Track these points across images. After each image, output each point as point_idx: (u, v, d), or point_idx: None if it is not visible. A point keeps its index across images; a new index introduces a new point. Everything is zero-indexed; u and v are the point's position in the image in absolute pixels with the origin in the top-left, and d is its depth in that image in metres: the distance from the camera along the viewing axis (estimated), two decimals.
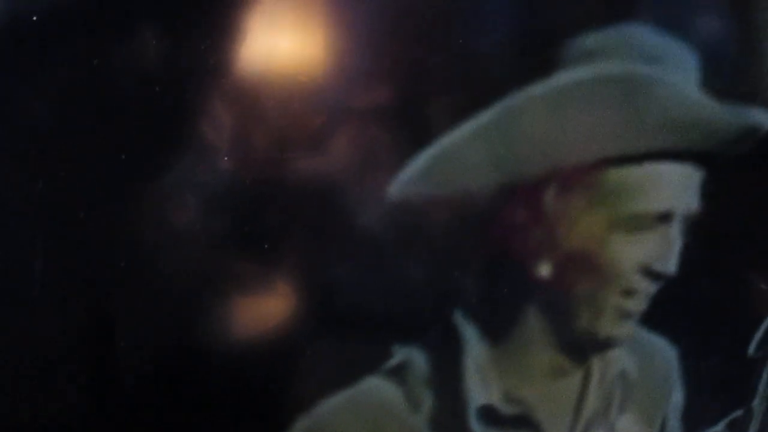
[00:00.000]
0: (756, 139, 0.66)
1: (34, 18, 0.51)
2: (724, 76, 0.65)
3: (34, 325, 0.54)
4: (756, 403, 0.74)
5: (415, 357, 0.60)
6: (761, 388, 0.74)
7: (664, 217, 0.65)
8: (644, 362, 0.69)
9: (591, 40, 0.60)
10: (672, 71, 0.62)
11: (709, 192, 0.65)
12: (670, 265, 0.66)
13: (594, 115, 0.61)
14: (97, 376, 0.55)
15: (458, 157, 0.57)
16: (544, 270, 0.62)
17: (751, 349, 0.72)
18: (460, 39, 0.56)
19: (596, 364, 0.67)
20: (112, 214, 0.53)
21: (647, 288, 0.66)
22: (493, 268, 0.61)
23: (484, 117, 0.58)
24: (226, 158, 0.54)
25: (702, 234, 0.66)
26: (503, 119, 0.58)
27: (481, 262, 0.60)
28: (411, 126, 0.56)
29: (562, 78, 0.59)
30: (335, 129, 0.55)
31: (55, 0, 0.52)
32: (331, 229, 0.56)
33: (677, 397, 0.71)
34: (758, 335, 0.72)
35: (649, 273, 0.65)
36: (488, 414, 0.63)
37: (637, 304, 0.66)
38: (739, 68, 0.66)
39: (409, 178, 0.57)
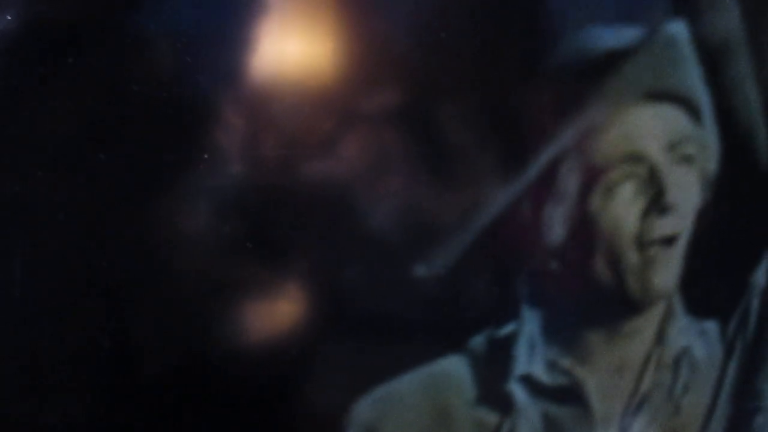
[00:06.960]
0: None
1: (44, 24, 0.51)
2: None
3: (47, 333, 0.53)
4: None
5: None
6: None
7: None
8: (705, 343, 0.68)
9: None
10: None
11: None
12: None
13: None
14: (105, 384, 0.55)
15: None
16: None
17: None
18: (471, 44, 0.56)
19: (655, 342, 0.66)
20: (122, 220, 0.53)
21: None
22: None
23: None
24: (236, 163, 0.53)
25: None
26: None
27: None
28: (422, 131, 0.56)
29: None
30: (346, 134, 0.54)
31: (65, 7, 0.52)
32: (343, 233, 0.55)
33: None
34: None
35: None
36: (530, 383, 0.62)
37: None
38: None
39: None
